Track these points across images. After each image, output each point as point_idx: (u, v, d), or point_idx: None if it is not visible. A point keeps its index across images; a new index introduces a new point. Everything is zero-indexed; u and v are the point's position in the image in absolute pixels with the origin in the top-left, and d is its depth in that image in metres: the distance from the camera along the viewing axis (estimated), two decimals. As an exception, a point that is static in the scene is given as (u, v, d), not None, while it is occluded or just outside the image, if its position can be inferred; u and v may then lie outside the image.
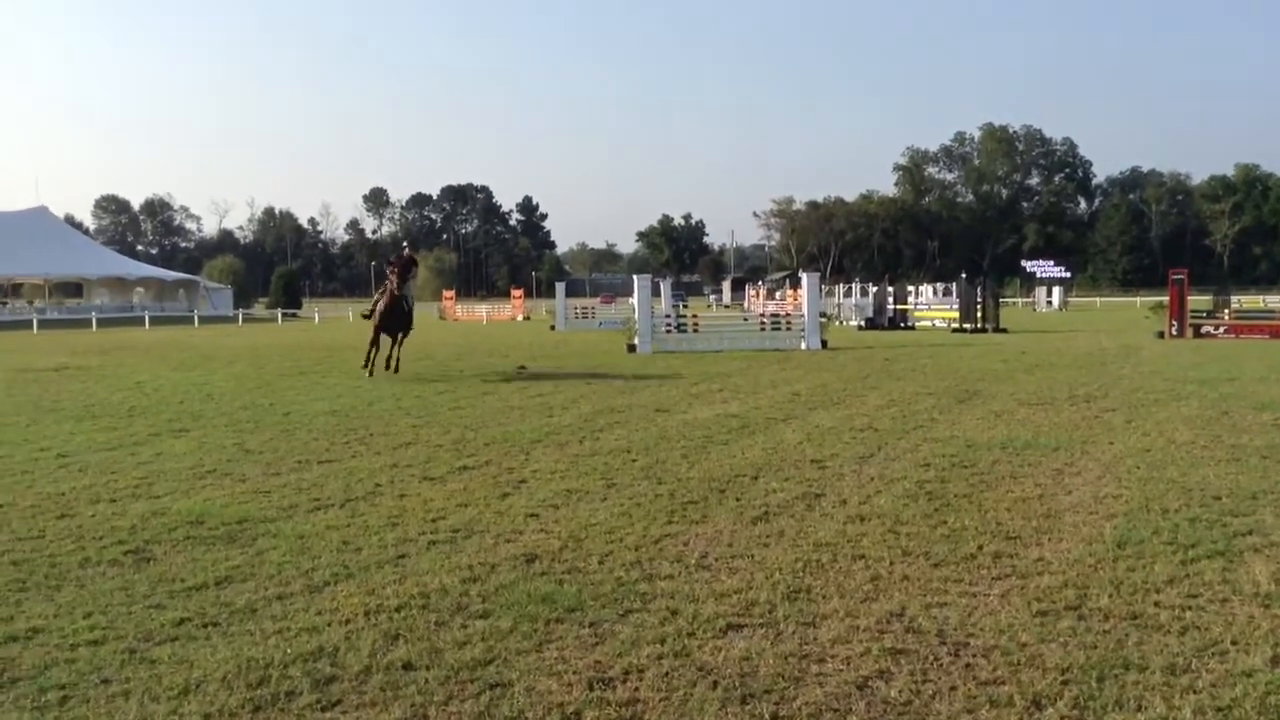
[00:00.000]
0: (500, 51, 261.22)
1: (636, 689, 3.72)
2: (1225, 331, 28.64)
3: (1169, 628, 4.29)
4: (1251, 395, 12.87)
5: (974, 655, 4.03)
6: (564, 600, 4.73)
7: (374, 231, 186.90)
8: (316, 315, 65.65)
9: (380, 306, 17.61)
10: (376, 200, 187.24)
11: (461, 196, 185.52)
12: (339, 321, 58.62)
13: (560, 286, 45.13)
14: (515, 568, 5.32)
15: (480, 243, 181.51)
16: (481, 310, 66.25)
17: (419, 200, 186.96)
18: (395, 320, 17.58)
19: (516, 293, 65.91)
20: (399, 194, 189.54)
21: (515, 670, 3.91)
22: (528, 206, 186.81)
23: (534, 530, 6.16)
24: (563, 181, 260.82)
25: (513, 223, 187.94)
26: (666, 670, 3.88)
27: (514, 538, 5.98)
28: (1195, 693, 3.61)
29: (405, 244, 21.79)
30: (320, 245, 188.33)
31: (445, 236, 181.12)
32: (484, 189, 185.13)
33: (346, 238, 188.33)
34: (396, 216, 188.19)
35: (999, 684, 3.73)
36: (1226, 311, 30.81)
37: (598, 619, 4.48)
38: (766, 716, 3.49)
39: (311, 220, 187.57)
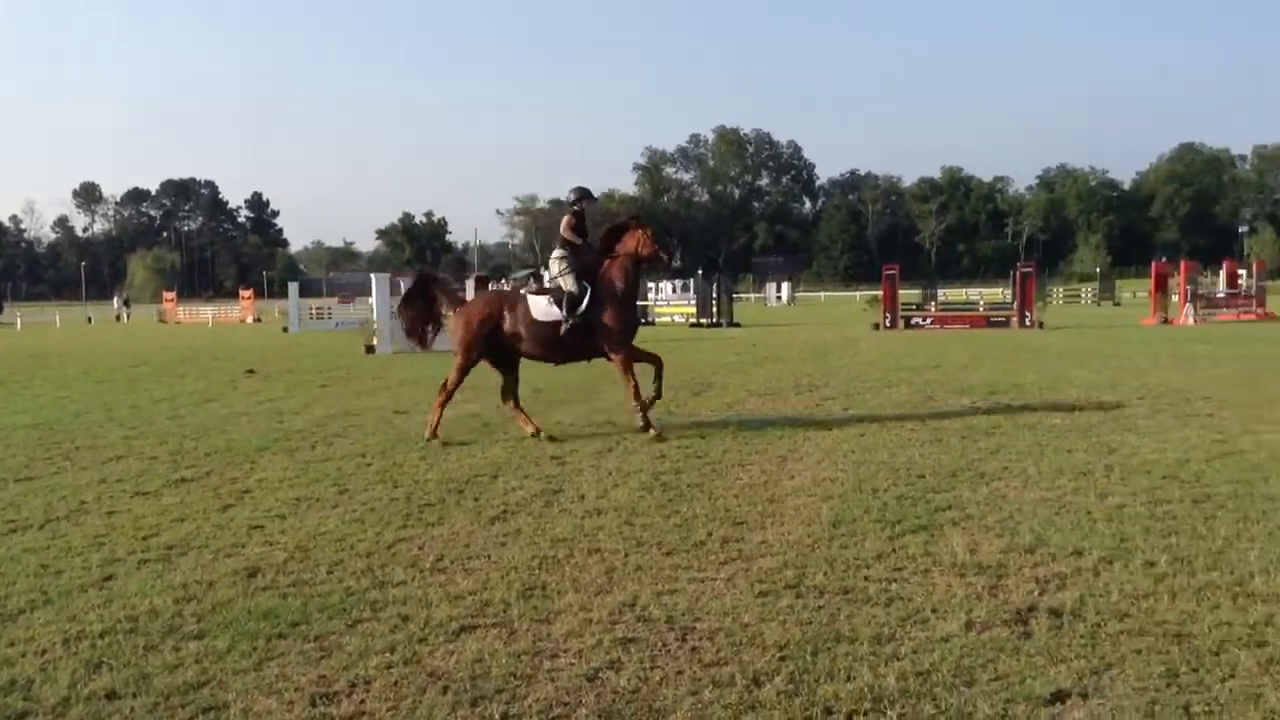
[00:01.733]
0: (225, 37, 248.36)
1: (363, 701, 3.61)
2: (932, 322, 30.99)
3: (877, 600, 4.59)
4: (953, 381, 13.99)
5: (700, 639, 4.16)
6: (288, 615, 4.53)
7: (85, 230, 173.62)
8: (19, 321, 60.13)
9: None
10: (88, 196, 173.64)
11: (184, 192, 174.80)
12: (46, 328, 54.04)
13: (293, 286, 43.42)
14: (235, 583, 5.05)
15: (206, 241, 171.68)
16: (207, 312, 62.71)
17: (136, 196, 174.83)
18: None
19: (246, 293, 62.66)
20: (113, 189, 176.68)
21: (232, 691, 3.71)
22: (258, 203, 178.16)
23: (258, 543, 5.88)
24: (296, 177, 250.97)
25: (241, 220, 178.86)
26: (395, 679, 3.79)
27: (235, 552, 5.68)
28: (899, 660, 3.87)
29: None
30: (24, 245, 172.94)
31: (166, 235, 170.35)
32: (209, 184, 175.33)
33: (54, 236, 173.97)
34: (111, 213, 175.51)
35: (722, 664, 3.87)
36: (933, 304, 33.35)
37: (324, 631, 4.32)
38: (496, 717, 3.47)
39: (14, 218, 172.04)
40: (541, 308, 10.00)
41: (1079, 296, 66.72)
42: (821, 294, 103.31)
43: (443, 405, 9.82)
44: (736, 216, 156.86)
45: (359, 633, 4.30)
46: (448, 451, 8.87)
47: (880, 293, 33.09)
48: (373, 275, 25.53)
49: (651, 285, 43.17)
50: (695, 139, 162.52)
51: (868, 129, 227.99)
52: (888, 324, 30.62)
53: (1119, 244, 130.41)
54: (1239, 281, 36.68)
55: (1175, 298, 32.84)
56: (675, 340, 26.24)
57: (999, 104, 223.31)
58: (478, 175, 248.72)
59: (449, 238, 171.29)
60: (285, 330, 38.97)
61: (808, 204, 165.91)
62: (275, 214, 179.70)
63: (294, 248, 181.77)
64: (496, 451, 8.85)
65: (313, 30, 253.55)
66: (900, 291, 32.32)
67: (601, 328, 9.93)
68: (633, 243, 10.11)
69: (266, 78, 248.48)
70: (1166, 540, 5.44)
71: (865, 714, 3.43)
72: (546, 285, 10.43)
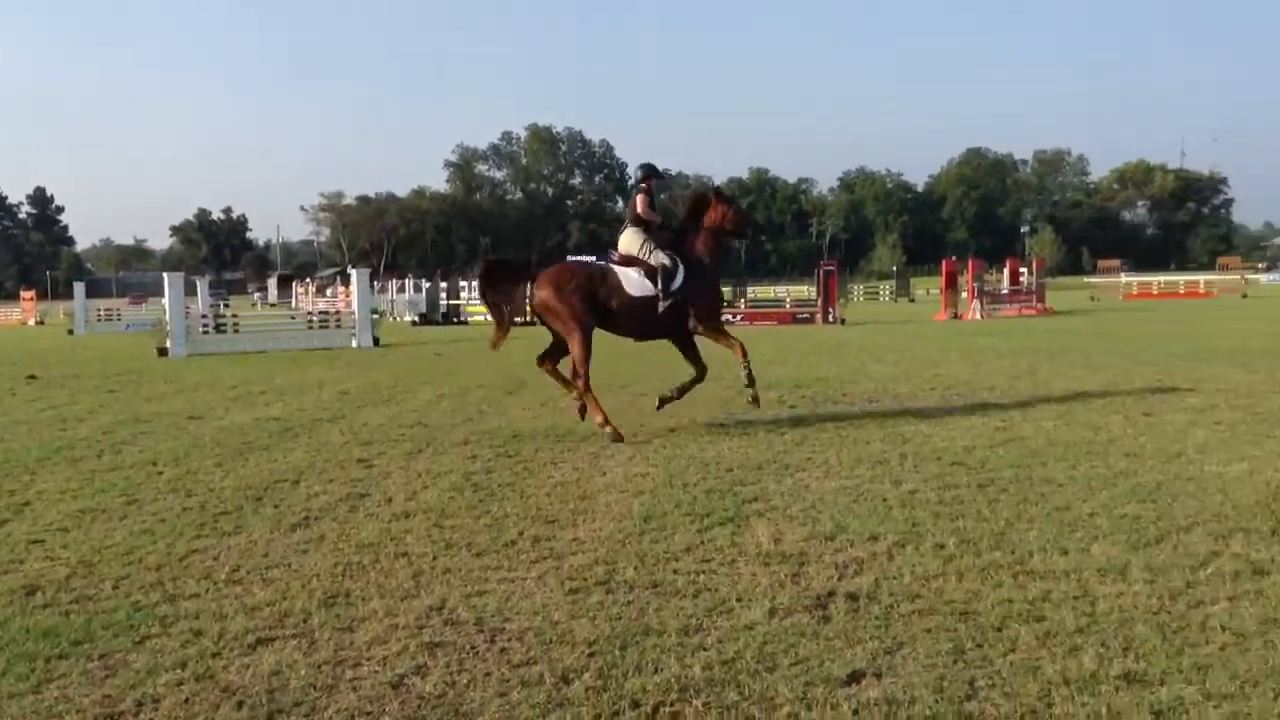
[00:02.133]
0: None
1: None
2: (742, 319, 31.79)
3: (685, 592, 4.65)
4: (761, 376, 14.27)
5: (509, 639, 4.12)
6: (70, 633, 4.23)
7: None
8: None
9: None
10: None
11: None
12: None
13: (79, 286, 40.89)
14: (12, 603, 4.70)
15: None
16: (-17, 314, 58.32)
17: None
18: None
19: (27, 294, 58.59)
20: None
21: (7, 717, 3.44)
22: (41, 199, 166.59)
23: (37, 558, 5.48)
24: (82, 172, 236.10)
25: (22, 216, 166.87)
26: (186, 696, 3.60)
27: (12, 569, 5.28)
28: (705, 650, 3.93)
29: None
30: None
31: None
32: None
33: None
34: None
35: (531, 664, 3.84)
36: (743, 301, 34.22)
37: (109, 650, 4.06)
38: (296, 730, 3.35)
39: None
40: (635, 282, 9.67)
41: (878, 294, 69.94)
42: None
43: (589, 389, 9.50)
44: (550, 215, 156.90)
45: (147, 649, 4.06)
46: (246, 457, 8.50)
47: (691, 291, 33.69)
48: (165, 274, 24.20)
49: (465, 284, 42.66)
50: (508, 136, 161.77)
51: (677, 129, 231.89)
52: (698, 321, 31.23)
53: (914, 243, 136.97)
54: (1021, 279, 39.11)
55: (964, 294, 34.74)
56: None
57: (802, 108, 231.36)
58: (279, 171, 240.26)
59: (249, 235, 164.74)
60: (70, 333, 36.63)
61: (620, 203, 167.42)
62: (60, 210, 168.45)
63: (81, 246, 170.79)
64: (299, 456, 8.54)
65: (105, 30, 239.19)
66: (710, 289, 33.01)
67: (696, 303, 9.79)
68: (716, 215, 9.96)
69: (45, 68, 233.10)
70: (954, 523, 5.73)
71: (672, 704, 3.47)
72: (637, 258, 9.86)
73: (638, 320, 9.89)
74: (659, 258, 9.69)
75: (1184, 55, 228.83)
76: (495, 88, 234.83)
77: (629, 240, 9.98)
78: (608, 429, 9.07)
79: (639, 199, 10.10)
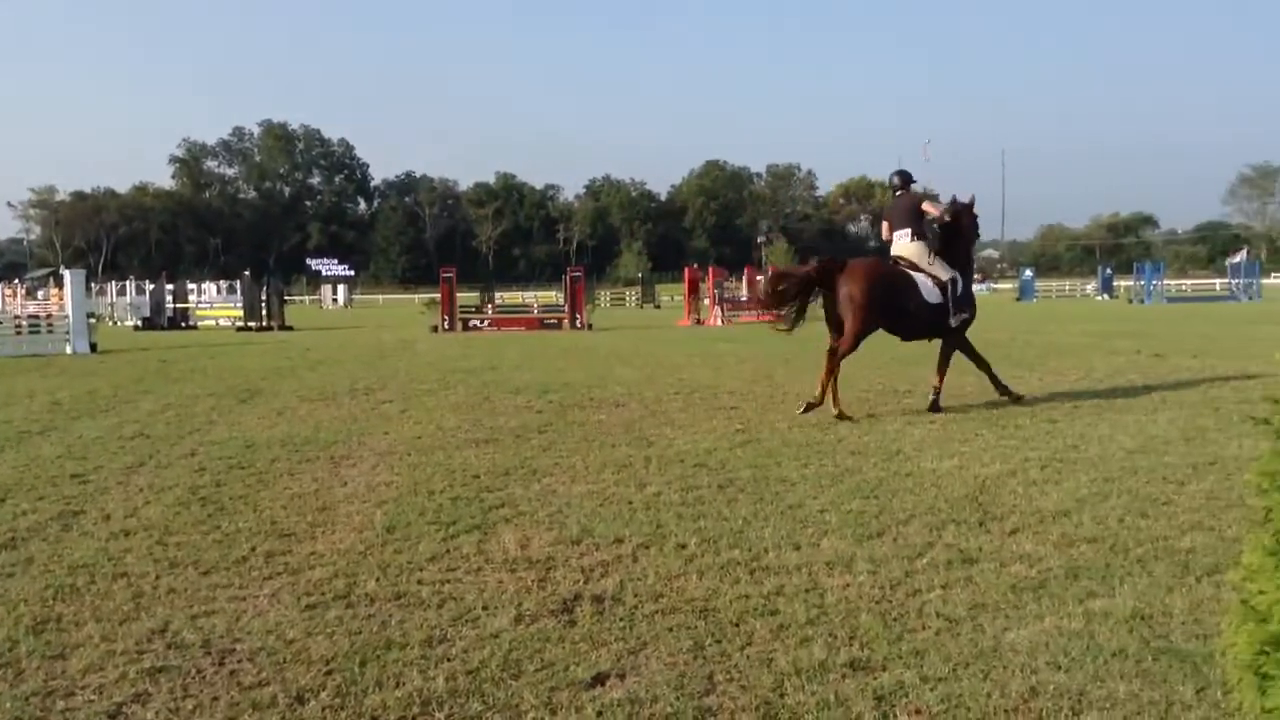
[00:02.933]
0: None
1: None
2: (489, 325, 31.63)
3: (429, 602, 4.56)
4: (509, 381, 14.35)
5: (239, 661, 3.90)
6: None
7: None
8: None
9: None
10: None
11: None
12: None
13: None
14: None
15: None
16: None
17: None
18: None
19: None
20: None
21: None
22: None
23: None
24: None
25: None
26: None
27: None
28: (449, 660, 3.86)
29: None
30: None
31: None
32: None
33: None
34: None
35: (263, 686, 3.64)
36: (490, 306, 34.05)
37: None
38: (-8, 775, 3.04)
39: None
40: (930, 290, 10.45)
41: (624, 300, 71.25)
42: (380, 297, 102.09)
43: (832, 375, 10.00)
44: (288, 215, 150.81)
45: None
46: (-60, 475, 7.68)
47: (438, 295, 33.24)
48: None
49: (193, 286, 40.39)
50: (239, 132, 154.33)
51: (424, 131, 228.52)
52: (446, 326, 30.84)
53: (658, 251, 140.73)
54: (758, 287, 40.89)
55: (706, 301, 35.96)
56: (219, 345, 24.75)
57: (549, 114, 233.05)
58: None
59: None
60: None
61: (363, 205, 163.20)
62: None
63: None
64: (4, 473, 7.80)
65: None
66: (458, 294, 32.69)
67: (964, 312, 10.70)
68: (968, 224, 10.85)
69: None
70: (696, 524, 5.89)
71: (414, 718, 3.38)
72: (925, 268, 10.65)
73: (922, 325, 10.74)
74: (946, 271, 10.59)
75: (896, 78, 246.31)
76: (228, 82, 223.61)
77: (915, 250, 10.69)
78: (842, 414, 9.90)
79: (927, 203, 10.92)
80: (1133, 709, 3.34)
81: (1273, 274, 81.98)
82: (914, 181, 11.30)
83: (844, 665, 3.74)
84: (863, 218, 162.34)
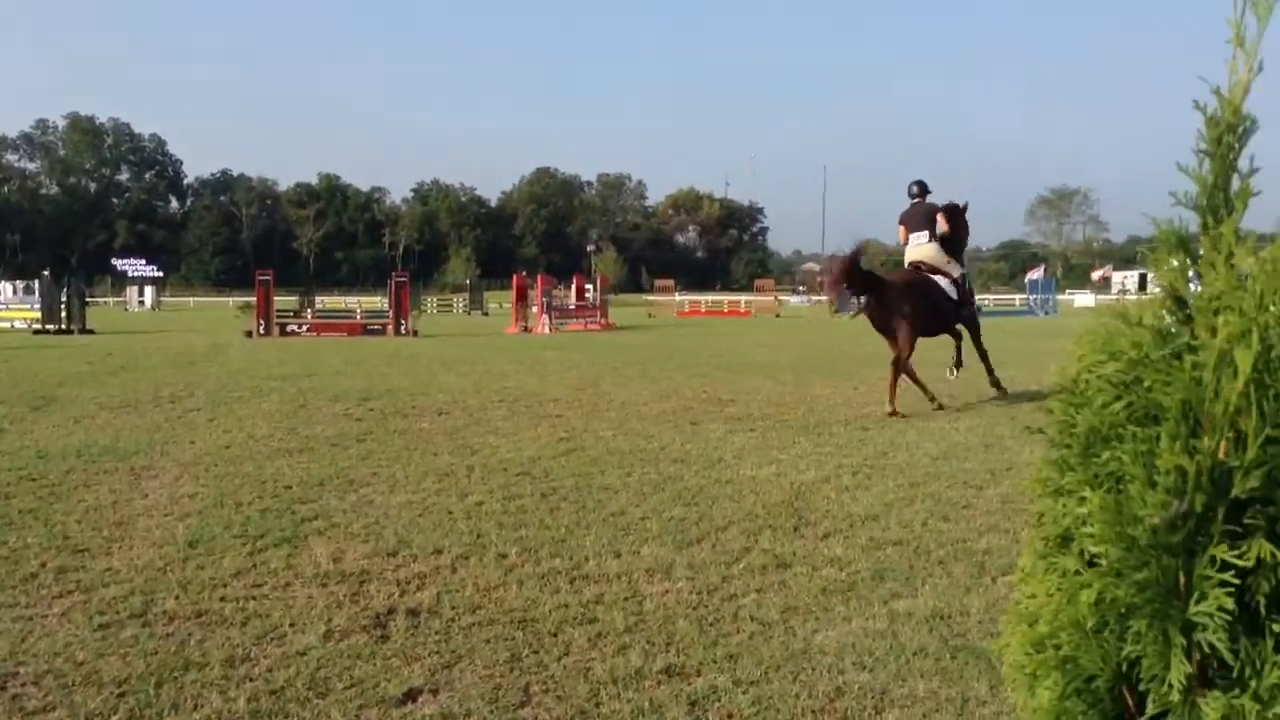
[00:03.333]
0: None
1: None
2: (309, 330, 30.71)
3: (233, 620, 4.35)
4: (327, 388, 13.93)
5: (23, 684, 3.63)
6: None
7: None
8: None
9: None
10: None
11: None
12: None
13: None
14: None
15: None
16: None
17: None
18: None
19: None
20: None
21: None
22: None
23: None
24: None
25: None
26: None
27: None
28: (252, 680, 3.68)
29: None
30: None
31: None
32: None
33: None
34: None
35: (49, 710, 3.40)
36: (310, 311, 33.07)
37: None
38: None
39: None
40: (949, 287, 11.64)
41: (451, 306, 70.39)
42: (191, 299, 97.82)
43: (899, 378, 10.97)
44: (93, 213, 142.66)
45: None
46: None
47: (254, 299, 32.04)
48: None
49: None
50: (43, 125, 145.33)
51: (244, 128, 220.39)
52: (262, 331, 29.76)
53: (487, 257, 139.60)
54: (587, 295, 41.05)
55: (534, 308, 35.87)
56: (13, 349, 23.19)
57: (375, 114, 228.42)
58: None
59: None
60: None
61: (175, 203, 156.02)
62: None
63: None
64: None
65: None
66: (276, 298, 31.61)
67: (972, 300, 12.12)
68: (964, 225, 12.21)
69: None
70: (517, 533, 5.84)
71: (213, 744, 3.21)
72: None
73: (949, 320, 11.97)
74: (957, 269, 11.85)
75: (721, 95, 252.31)
76: (30, 73, 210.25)
77: (932, 252, 11.89)
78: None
79: (942, 218, 11.95)
80: (931, 706, 3.47)
81: (1068, 290, 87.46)
82: (930, 191, 12.32)
83: (660, 672, 3.75)
84: (690, 228, 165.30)
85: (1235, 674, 0.92)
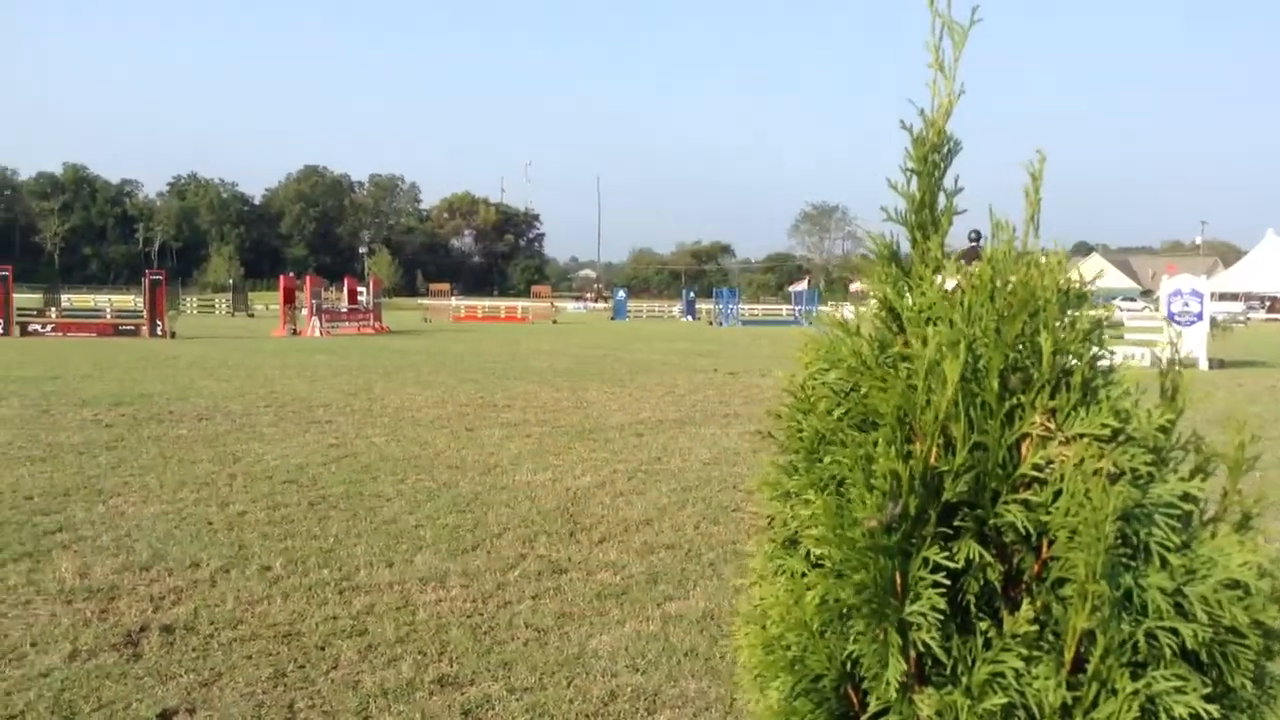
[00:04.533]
0: None
1: None
2: (54, 330, 28.59)
3: (-38, 644, 4.01)
4: (74, 392, 13.01)
5: None
6: None
7: None
8: None
9: None
10: None
11: None
12: None
13: None
14: None
15: None
16: None
17: None
18: None
19: None
20: None
21: None
22: None
23: None
24: None
25: None
26: None
27: None
28: (-16, 708, 3.41)
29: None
30: None
31: None
32: None
33: None
34: None
35: None
36: (55, 309, 30.79)
37: None
38: None
39: None
40: None
41: (214, 307, 67.00)
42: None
43: None
44: None
45: None
46: None
47: (-10, 296, 29.53)
48: None
49: None
50: None
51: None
52: (1, 331, 27.46)
53: (252, 257, 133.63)
54: (360, 298, 39.97)
55: (303, 311, 34.63)
56: None
57: (127, 103, 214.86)
58: None
59: None
60: None
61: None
62: None
63: None
64: None
65: None
66: (16, 295, 29.22)
67: None
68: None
69: None
70: (283, 544, 5.63)
71: (-63, 780, 2.96)
72: None
73: None
74: None
75: (502, 96, 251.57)
76: None
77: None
78: None
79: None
80: (702, 705, 3.58)
81: (830, 302, 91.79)
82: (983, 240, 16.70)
83: (432, 682, 3.71)
84: (466, 233, 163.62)
85: (949, 671, 1.00)
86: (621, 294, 73.95)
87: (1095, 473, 0.99)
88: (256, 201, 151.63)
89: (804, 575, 1.10)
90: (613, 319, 64.74)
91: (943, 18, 1.17)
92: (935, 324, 1.06)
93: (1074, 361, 1.05)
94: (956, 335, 1.03)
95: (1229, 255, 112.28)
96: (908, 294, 1.11)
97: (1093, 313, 1.09)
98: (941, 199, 1.13)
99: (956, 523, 1.03)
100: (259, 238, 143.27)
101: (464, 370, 18.30)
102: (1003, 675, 0.98)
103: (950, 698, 0.98)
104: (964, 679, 0.99)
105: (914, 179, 1.12)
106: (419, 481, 7.49)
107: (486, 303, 75.38)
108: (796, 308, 61.15)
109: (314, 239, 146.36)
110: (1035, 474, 1.03)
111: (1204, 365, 21.74)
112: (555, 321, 58.21)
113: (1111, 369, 1.09)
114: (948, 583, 1.00)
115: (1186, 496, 1.03)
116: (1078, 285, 1.07)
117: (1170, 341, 1.25)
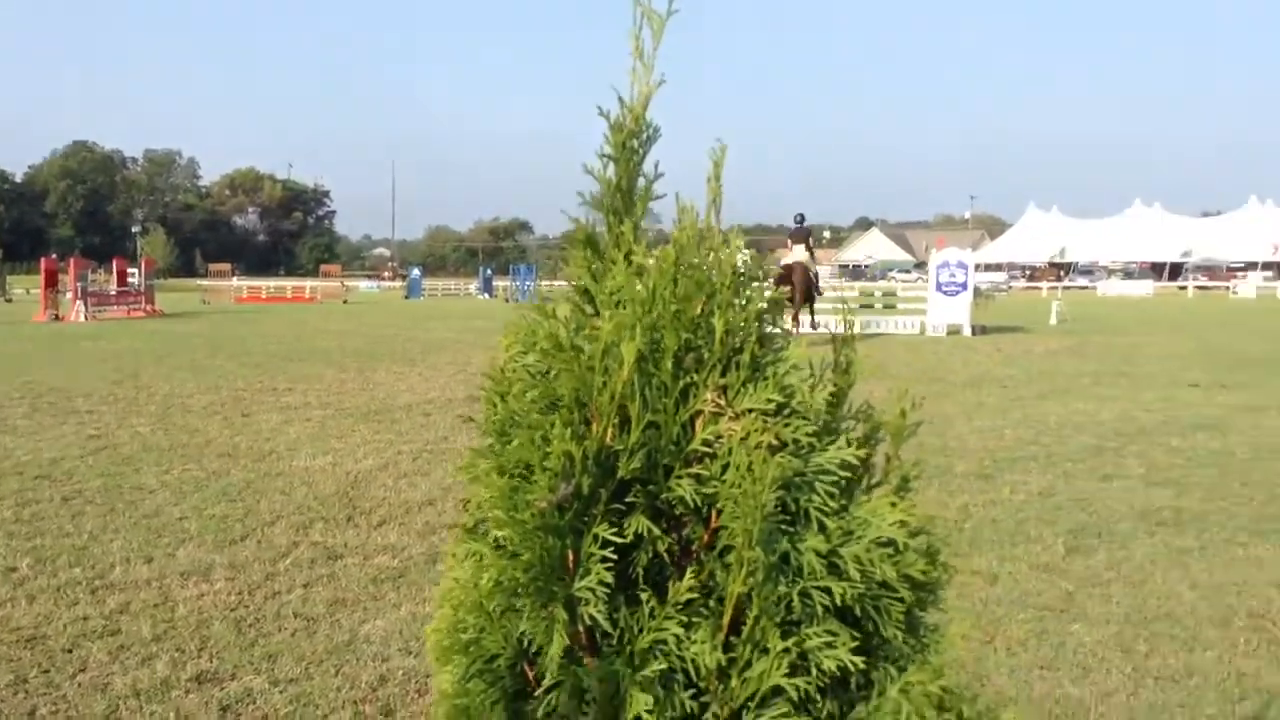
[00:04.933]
0: None
1: None
2: None
3: None
4: None
5: None
6: None
7: None
8: None
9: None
10: None
11: None
12: None
13: None
14: None
15: None
16: None
17: None
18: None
19: None
20: None
21: None
22: None
23: None
24: None
25: None
26: None
27: None
28: None
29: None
30: None
31: None
32: None
33: None
34: None
35: None
36: None
37: None
38: None
39: None
40: (814, 276, 21.56)
41: (-35, 291, 61.78)
42: None
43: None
44: None
45: None
46: None
47: None
48: None
49: None
50: None
51: None
52: None
53: (12, 238, 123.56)
54: (130, 279, 37.69)
55: (68, 294, 32.39)
56: None
57: None
58: None
59: None
60: None
61: None
62: None
63: None
64: None
65: None
66: None
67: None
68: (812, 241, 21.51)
69: None
70: (31, 543, 5.28)
71: None
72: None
73: (812, 295, 20.77)
74: (814, 266, 21.18)
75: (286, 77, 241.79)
76: None
77: (805, 258, 20.72)
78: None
79: (805, 246, 21.00)
80: (471, 683, 3.58)
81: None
82: (806, 221, 21.48)
83: (189, 680, 3.56)
84: (250, 211, 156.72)
85: (616, 641, 1.03)
86: (416, 272, 72.58)
87: (758, 446, 1.04)
88: (18, 179, 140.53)
89: (484, 557, 1.11)
90: (407, 298, 63.44)
91: (643, 7, 1.19)
92: (620, 306, 1.09)
93: (744, 341, 1.09)
94: (635, 317, 1.06)
95: (995, 228, 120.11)
96: (603, 277, 1.13)
97: (768, 294, 1.14)
98: (641, 183, 1.16)
99: (629, 499, 1.06)
100: (20, 217, 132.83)
101: (242, 354, 17.58)
102: (665, 642, 1.02)
103: (613, 667, 1.01)
104: (628, 648, 1.02)
105: (610, 165, 1.14)
106: (186, 471, 7.16)
107: (272, 283, 72.53)
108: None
109: (81, 218, 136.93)
110: (706, 449, 1.07)
111: (968, 332, 23.22)
112: (346, 301, 56.54)
113: (781, 347, 1.14)
114: (614, 558, 1.03)
115: (844, 464, 1.10)
116: (748, 267, 1.11)
117: (844, 319, 1.31)
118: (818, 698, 1.05)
